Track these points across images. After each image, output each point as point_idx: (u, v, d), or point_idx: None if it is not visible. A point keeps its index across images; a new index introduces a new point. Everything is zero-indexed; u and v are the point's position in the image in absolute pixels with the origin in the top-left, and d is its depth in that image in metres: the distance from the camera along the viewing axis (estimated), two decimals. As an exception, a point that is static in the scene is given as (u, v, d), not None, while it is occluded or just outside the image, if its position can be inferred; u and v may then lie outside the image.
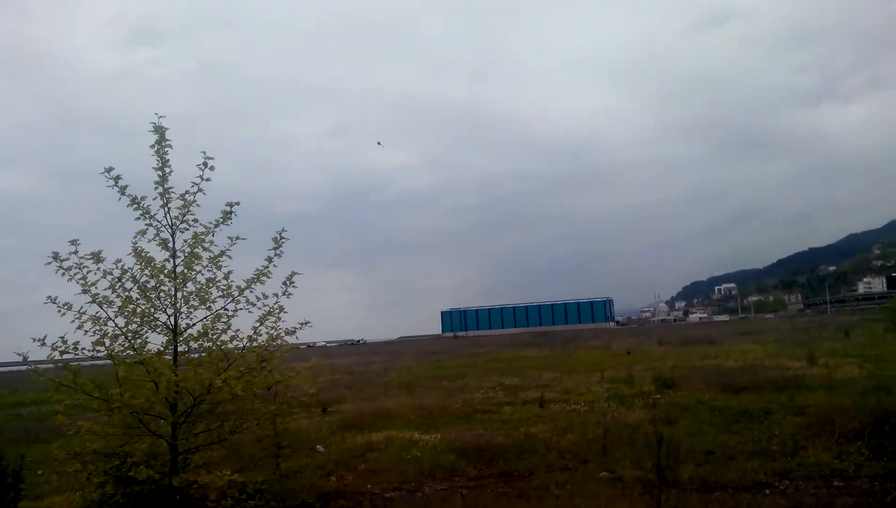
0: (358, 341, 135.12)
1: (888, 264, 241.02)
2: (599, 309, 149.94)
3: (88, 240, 7.55)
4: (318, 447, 12.89)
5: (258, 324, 7.88)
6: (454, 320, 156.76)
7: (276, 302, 7.90)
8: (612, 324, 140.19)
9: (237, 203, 7.96)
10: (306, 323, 8.05)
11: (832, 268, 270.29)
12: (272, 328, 8.01)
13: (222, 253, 7.94)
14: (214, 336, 7.71)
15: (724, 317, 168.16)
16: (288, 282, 7.95)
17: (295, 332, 8.04)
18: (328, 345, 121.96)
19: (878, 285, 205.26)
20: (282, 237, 8.05)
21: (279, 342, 7.97)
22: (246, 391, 7.45)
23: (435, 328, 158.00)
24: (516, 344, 58.18)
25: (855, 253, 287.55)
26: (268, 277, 7.93)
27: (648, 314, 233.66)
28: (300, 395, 8.44)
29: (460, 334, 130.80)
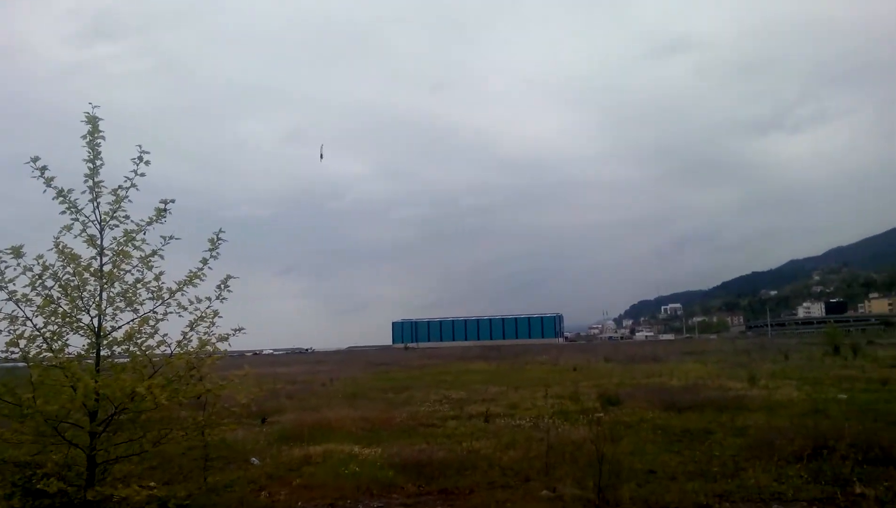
0: (306, 349, 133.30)
1: (827, 290, 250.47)
2: (549, 325, 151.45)
3: (24, 235, 7.08)
4: (253, 459, 12.42)
5: (188, 329, 7.46)
6: (405, 331, 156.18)
7: (209, 306, 7.50)
8: (560, 340, 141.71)
9: (172, 200, 7.55)
10: (240, 329, 7.65)
11: (773, 292, 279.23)
12: (205, 333, 7.61)
13: (154, 252, 7.51)
14: (140, 341, 7.27)
15: (670, 336, 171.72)
16: (223, 286, 7.56)
17: (228, 338, 7.63)
18: (276, 353, 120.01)
19: (816, 310, 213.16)
20: (219, 239, 7.65)
21: (211, 348, 7.56)
22: (171, 400, 7.00)
23: (386, 338, 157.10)
24: (466, 357, 58.04)
25: (795, 278, 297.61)
26: (201, 279, 7.53)
27: (597, 331, 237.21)
28: (232, 405, 8.02)
29: (411, 345, 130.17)
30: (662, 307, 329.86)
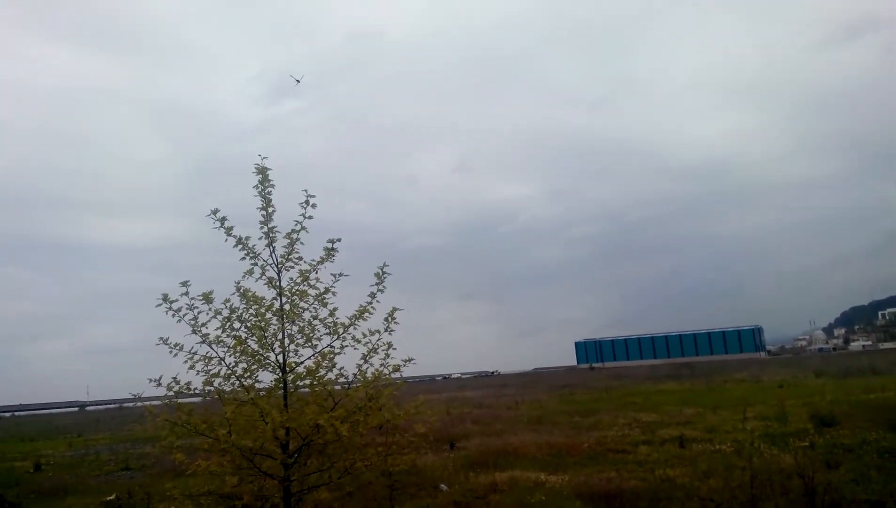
0: (492, 372, 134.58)
1: None
2: (748, 338, 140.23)
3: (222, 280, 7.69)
4: (442, 485, 12.52)
5: (362, 362, 7.64)
6: (589, 350, 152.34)
7: (379, 338, 7.64)
8: (762, 354, 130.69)
9: (338, 239, 7.83)
10: (410, 360, 7.71)
11: None
12: (381, 365, 7.76)
13: (327, 290, 7.81)
14: (320, 375, 7.55)
15: (892, 345, 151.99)
16: (390, 318, 7.68)
17: (400, 369, 7.71)
18: (463, 376, 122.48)
19: None
20: (384, 273, 7.82)
21: (385, 378, 7.68)
22: (352, 431, 7.18)
23: (570, 359, 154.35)
24: (655, 377, 55.37)
25: None
26: (370, 313, 7.70)
27: (804, 343, 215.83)
28: (412, 435, 8.08)
29: (596, 365, 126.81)
30: (879, 313, 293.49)
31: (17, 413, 67.87)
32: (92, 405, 71.90)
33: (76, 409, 70.45)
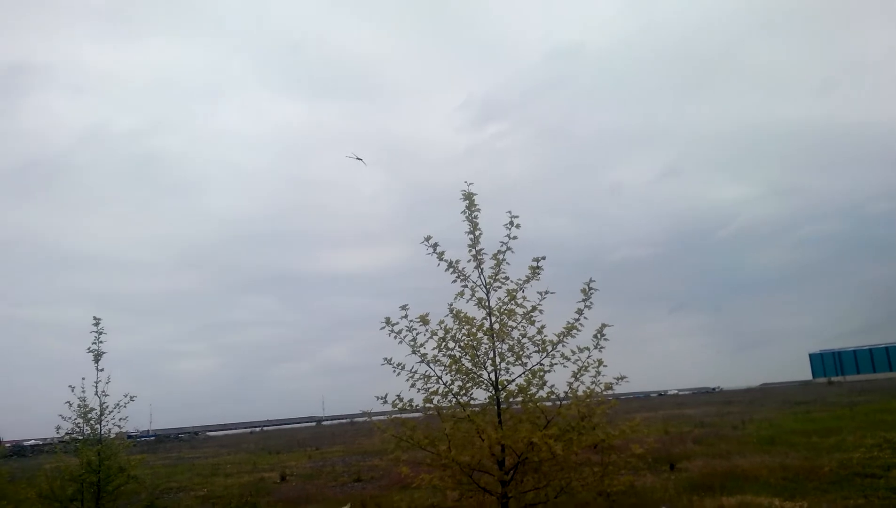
0: (713, 388, 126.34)
1: None
2: None
3: (436, 303, 8.19)
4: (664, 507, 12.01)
5: (573, 379, 7.63)
6: (826, 363, 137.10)
7: (589, 356, 7.59)
8: None
9: (543, 257, 7.96)
10: (622, 378, 7.57)
11: None
12: (592, 382, 7.70)
13: (534, 308, 7.93)
14: (531, 393, 7.66)
15: None
16: (599, 334, 7.60)
17: (612, 387, 7.58)
18: (680, 393, 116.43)
19: None
20: (590, 289, 7.78)
21: (598, 396, 7.59)
22: (566, 450, 7.19)
23: (803, 373, 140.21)
24: (911, 391, 48.46)
25: None
26: (578, 329, 7.68)
27: None
28: (629, 455, 7.88)
29: (835, 378, 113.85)
30: None
31: (264, 428, 75.96)
32: (327, 420, 78.54)
33: (313, 424, 77.32)
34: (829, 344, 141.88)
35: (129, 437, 20.70)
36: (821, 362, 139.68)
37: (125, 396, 18.94)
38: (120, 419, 18.24)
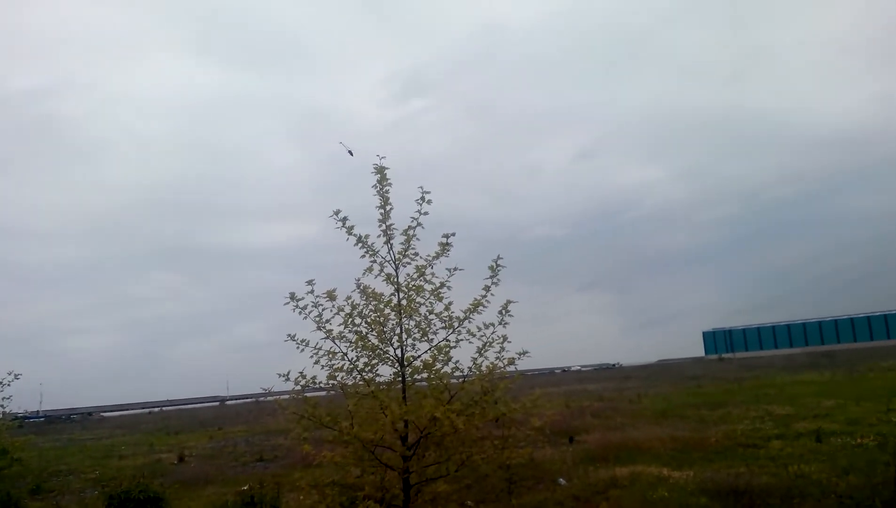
0: (613, 364, 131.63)
1: None
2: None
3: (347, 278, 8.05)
4: (561, 479, 12.45)
5: (477, 355, 7.75)
6: (718, 340, 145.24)
7: (493, 331, 7.72)
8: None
9: (453, 234, 7.99)
10: (524, 353, 7.75)
11: None
12: (496, 358, 7.84)
13: (442, 285, 7.97)
14: (436, 369, 7.72)
15: None
16: (504, 311, 7.74)
17: (514, 362, 7.75)
18: (583, 369, 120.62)
19: None
20: (498, 266, 7.90)
21: (500, 372, 7.75)
22: (468, 424, 7.30)
23: (697, 350, 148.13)
24: (791, 367, 52.17)
25: None
26: (484, 306, 7.79)
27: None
28: (527, 428, 8.10)
29: (726, 355, 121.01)
30: None
31: (164, 408, 73.51)
32: (231, 400, 76.75)
33: (217, 403, 75.40)
34: (721, 323, 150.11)
35: (16, 418, 19.54)
36: (713, 339, 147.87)
37: (9, 374, 17.78)
38: (3, 399, 17.06)
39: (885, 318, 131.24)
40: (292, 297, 7.83)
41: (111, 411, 73.31)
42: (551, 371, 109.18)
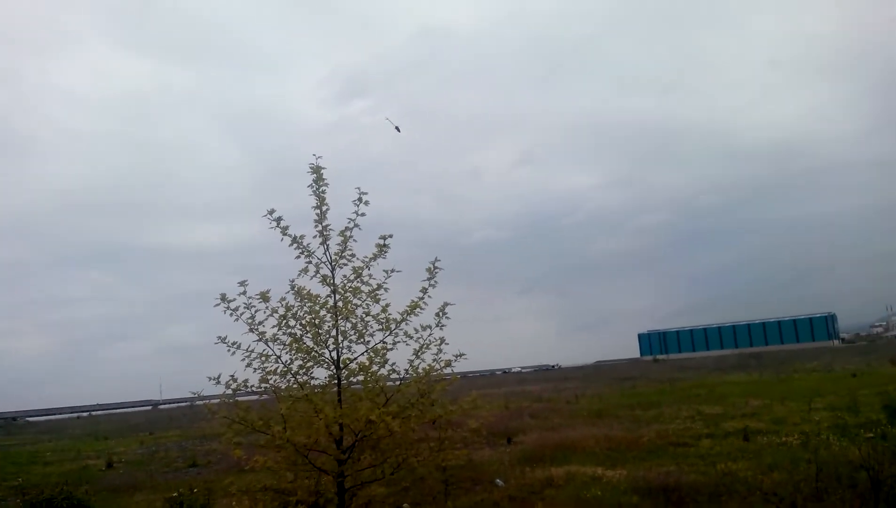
0: (553, 366, 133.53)
1: None
2: (820, 326, 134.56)
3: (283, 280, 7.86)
4: (498, 480, 12.53)
5: (414, 357, 7.71)
6: (653, 342, 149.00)
7: (431, 334, 7.69)
8: (835, 342, 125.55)
9: (390, 236, 7.91)
10: (461, 355, 7.74)
11: None
12: (433, 360, 7.80)
13: (379, 286, 7.89)
14: (372, 371, 7.64)
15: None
16: (441, 313, 7.71)
17: (451, 364, 7.74)
18: (523, 370, 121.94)
19: None
20: (435, 268, 7.86)
21: (437, 374, 7.72)
22: (403, 427, 7.25)
23: (633, 351, 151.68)
24: (721, 367, 54.02)
25: None
26: (422, 308, 7.75)
27: (880, 330, 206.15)
28: (464, 430, 8.10)
29: (660, 357, 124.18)
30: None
31: (93, 413, 70.92)
32: (165, 404, 74.55)
33: (150, 408, 73.18)
34: (656, 325, 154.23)
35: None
36: (648, 341, 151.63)
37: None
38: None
39: (811, 321, 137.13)
40: (223, 298, 7.62)
41: (37, 415, 70.33)
42: (492, 373, 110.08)
